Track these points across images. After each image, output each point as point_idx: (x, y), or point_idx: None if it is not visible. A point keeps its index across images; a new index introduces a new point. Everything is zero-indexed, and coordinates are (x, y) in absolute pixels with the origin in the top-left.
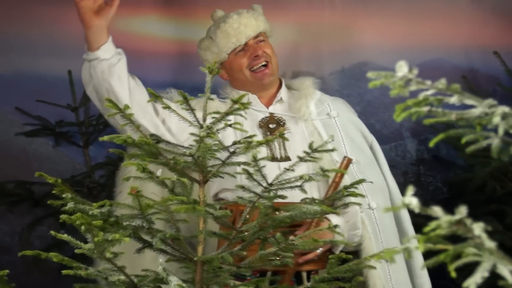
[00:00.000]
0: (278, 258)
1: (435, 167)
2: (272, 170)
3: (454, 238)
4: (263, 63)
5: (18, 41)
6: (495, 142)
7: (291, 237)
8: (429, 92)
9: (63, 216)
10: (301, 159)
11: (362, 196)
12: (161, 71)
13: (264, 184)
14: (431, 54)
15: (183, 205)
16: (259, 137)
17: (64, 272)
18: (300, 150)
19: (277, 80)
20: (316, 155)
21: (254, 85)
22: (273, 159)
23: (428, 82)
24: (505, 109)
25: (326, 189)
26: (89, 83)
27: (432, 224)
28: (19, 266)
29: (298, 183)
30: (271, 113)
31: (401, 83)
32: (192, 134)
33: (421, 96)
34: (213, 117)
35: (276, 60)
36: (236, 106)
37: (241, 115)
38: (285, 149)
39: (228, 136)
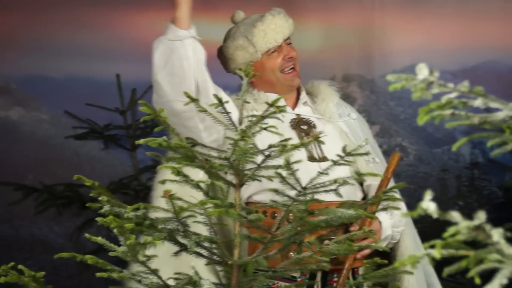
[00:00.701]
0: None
1: (490, 170)
2: (313, 171)
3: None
4: (291, 66)
5: (70, 46)
6: None
7: (326, 241)
8: (452, 95)
9: (99, 219)
10: (335, 162)
11: (400, 199)
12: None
13: (298, 188)
14: (485, 56)
15: (217, 208)
16: (295, 139)
17: (98, 274)
18: (335, 151)
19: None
20: (350, 158)
21: (282, 86)
22: (312, 159)
23: (451, 85)
24: None
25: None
26: (164, 66)
27: (451, 230)
28: (73, 267)
29: (333, 187)
30: (297, 115)
31: (422, 85)
32: (227, 137)
33: (443, 99)
34: (249, 120)
35: (299, 64)
36: (272, 109)
37: (278, 118)
38: (321, 149)
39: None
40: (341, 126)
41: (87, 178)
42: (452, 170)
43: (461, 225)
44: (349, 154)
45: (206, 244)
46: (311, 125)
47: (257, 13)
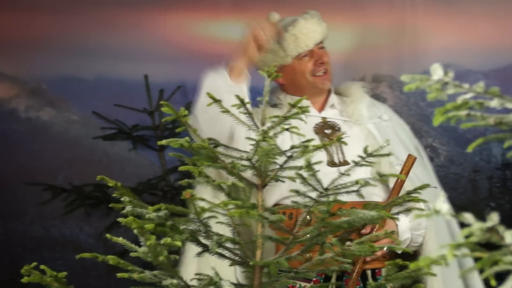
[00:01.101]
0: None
1: None
2: (332, 176)
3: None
4: (324, 70)
5: (100, 47)
6: None
7: (348, 243)
8: (468, 96)
9: (121, 219)
10: (356, 163)
11: (424, 201)
12: None
13: (320, 189)
14: None
15: (237, 209)
16: (317, 143)
17: (119, 275)
18: (358, 154)
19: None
20: (372, 159)
21: (313, 89)
22: (332, 164)
23: (466, 86)
24: None
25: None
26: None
27: (464, 231)
28: (102, 267)
29: (355, 188)
30: (324, 118)
31: (437, 86)
32: (248, 138)
33: (459, 99)
34: (272, 121)
35: (331, 67)
36: (295, 110)
37: (301, 119)
38: (343, 153)
39: (286, 141)
40: (369, 129)
41: (116, 178)
42: (484, 171)
43: (474, 226)
44: (370, 155)
45: (228, 245)
46: (335, 129)
47: (289, 14)
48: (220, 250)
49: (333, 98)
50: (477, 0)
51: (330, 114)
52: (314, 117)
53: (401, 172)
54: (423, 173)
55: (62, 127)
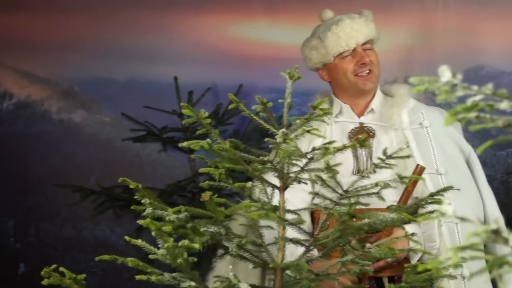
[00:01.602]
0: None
1: None
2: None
3: None
4: (367, 71)
5: (131, 49)
6: None
7: (368, 245)
8: (477, 98)
9: (141, 221)
10: (376, 165)
11: (440, 203)
12: (272, 76)
13: (340, 191)
14: None
15: (257, 211)
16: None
17: (137, 277)
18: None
19: (375, 88)
20: (393, 162)
21: (354, 89)
22: (359, 172)
23: (475, 87)
24: None
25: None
26: None
27: (470, 234)
28: (134, 269)
29: (375, 190)
30: (361, 123)
31: (446, 88)
32: (267, 140)
33: (468, 101)
34: (295, 123)
35: (379, 69)
36: (316, 112)
37: (323, 121)
38: (371, 160)
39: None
40: (405, 135)
41: (148, 180)
42: None
43: (479, 229)
44: (389, 157)
45: (250, 247)
46: (369, 134)
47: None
48: (242, 252)
49: (375, 101)
50: (509, 1)
51: (369, 119)
52: (352, 123)
53: (409, 181)
54: (466, 187)
55: (94, 129)
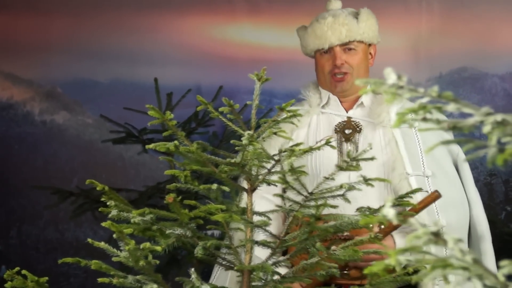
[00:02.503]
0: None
1: None
2: (341, 180)
3: None
4: (342, 74)
5: (115, 50)
6: (490, 151)
7: (333, 247)
8: (424, 100)
9: (103, 223)
10: (341, 168)
11: (408, 205)
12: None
13: (305, 193)
14: None
15: (220, 214)
16: (333, 143)
17: (99, 280)
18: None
19: (357, 88)
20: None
21: (329, 88)
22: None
23: (421, 90)
24: (497, 117)
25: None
26: None
27: (410, 237)
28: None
29: (340, 192)
30: (349, 118)
31: (393, 90)
32: (234, 141)
33: (416, 103)
34: (264, 124)
35: (362, 73)
36: (284, 114)
37: (292, 123)
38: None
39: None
40: (394, 133)
41: (131, 181)
42: (500, 175)
43: (419, 231)
44: (354, 159)
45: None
46: (356, 130)
47: (305, 17)
48: (206, 255)
49: (366, 97)
50: (493, 4)
51: (358, 113)
52: (339, 116)
53: (419, 202)
54: (452, 189)
55: (77, 131)
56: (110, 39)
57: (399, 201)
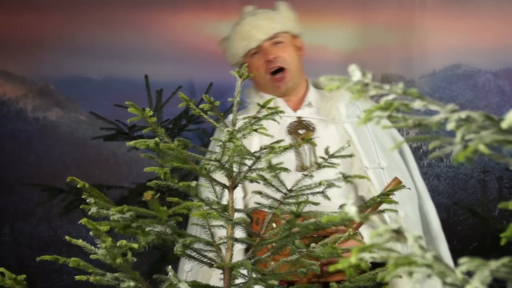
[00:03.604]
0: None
1: None
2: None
3: None
4: (276, 68)
5: (107, 47)
6: (456, 148)
7: (312, 245)
8: (390, 97)
9: (81, 220)
10: (319, 165)
11: (396, 202)
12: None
13: (284, 191)
14: None
15: (203, 211)
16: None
17: (77, 278)
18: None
19: (301, 82)
20: (336, 161)
21: (272, 90)
22: (302, 169)
23: (387, 87)
24: (462, 114)
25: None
26: None
27: (373, 234)
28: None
29: (319, 189)
30: (299, 117)
31: (358, 87)
32: (213, 139)
33: (382, 101)
34: (245, 121)
35: (296, 64)
36: (264, 111)
37: (274, 120)
38: (315, 156)
39: (254, 143)
40: (346, 128)
41: (124, 178)
42: (494, 172)
43: (380, 228)
44: (332, 156)
45: (203, 246)
46: (309, 129)
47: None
48: (188, 252)
49: (311, 95)
50: (486, 1)
51: (306, 112)
52: (289, 117)
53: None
54: (403, 180)
55: (70, 128)
56: (103, 36)
57: (382, 198)
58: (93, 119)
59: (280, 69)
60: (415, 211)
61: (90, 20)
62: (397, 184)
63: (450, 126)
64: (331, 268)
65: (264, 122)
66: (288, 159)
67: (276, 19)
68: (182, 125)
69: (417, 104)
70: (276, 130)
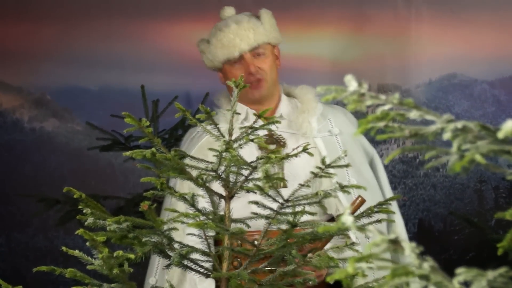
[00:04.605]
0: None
1: None
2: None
3: None
4: (256, 80)
5: (104, 57)
6: (452, 158)
7: (309, 255)
8: (386, 107)
9: (78, 231)
10: (315, 175)
11: (393, 212)
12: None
13: (280, 201)
14: None
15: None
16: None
17: None
18: (301, 170)
19: (274, 93)
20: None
21: (246, 97)
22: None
23: (383, 97)
24: (458, 124)
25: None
26: None
27: (369, 244)
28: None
29: (316, 200)
30: (269, 131)
31: (354, 97)
32: (210, 149)
33: (378, 111)
34: (241, 131)
35: (274, 76)
36: (261, 121)
37: (270, 130)
38: (282, 171)
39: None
40: (317, 143)
41: (120, 189)
42: (490, 181)
43: (378, 239)
44: (328, 166)
45: (199, 256)
46: (280, 144)
47: (294, 23)
48: (184, 262)
49: (282, 107)
50: (482, 10)
51: (279, 126)
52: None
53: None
54: (372, 195)
55: (66, 138)
56: (99, 46)
57: (378, 208)
58: (89, 129)
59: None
60: (382, 225)
61: (86, 30)
62: (361, 203)
63: (447, 136)
64: (329, 279)
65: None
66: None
67: (260, 30)
68: (178, 135)
69: (413, 114)
70: (248, 145)
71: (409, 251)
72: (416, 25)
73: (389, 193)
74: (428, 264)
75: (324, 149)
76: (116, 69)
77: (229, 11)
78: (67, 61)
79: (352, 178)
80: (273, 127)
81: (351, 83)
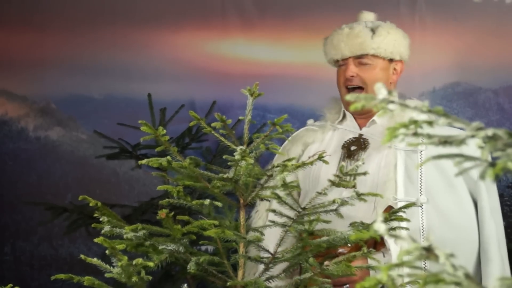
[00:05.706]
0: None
1: None
2: (334, 196)
3: None
4: (353, 86)
5: (109, 66)
6: (483, 166)
7: (326, 262)
8: (415, 115)
9: (96, 239)
10: (333, 183)
11: (408, 220)
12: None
13: (298, 209)
14: None
15: (213, 229)
16: (335, 160)
17: None
18: (368, 179)
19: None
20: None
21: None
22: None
23: (412, 105)
24: (488, 132)
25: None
26: None
27: (402, 252)
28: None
29: (333, 207)
30: (360, 135)
31: (383, 105)
32: (226, 157)
33: (407, 118)
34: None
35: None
36: (276, 129)
37: (285, 138)
38: (355, 182)
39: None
40: (397, 155)
41: (125, 197)
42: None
43: (411, 246)
44: (346, 174)
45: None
46: (361, 147)
47: (298, 32)
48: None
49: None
50: (486, 18)
51: (371, 131)
52: (352, 132)
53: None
54: (456, 208)
55: (71, 146)
56: (104, 55)
57: (392, 216)
58: (94, 138)
59: (359, 87)
60: (456, 241)
61: (91, 39)
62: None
63: (477, 143)
64: (358, 286)
65: (329, 134)
66: (328, 173)
67: (368, 42)
68: (185, 143)
69: (442, 122)
70: (335, 143)
71: (443, 259)
72: (420, 34)
73: (488, 221)
74: (462, 272)
75: (402, 163)
76: (120, 78)
77: (366, 15)
78: (72, 70)
79: (423, 197)
80: (367, 131)
81: (381, 91)
